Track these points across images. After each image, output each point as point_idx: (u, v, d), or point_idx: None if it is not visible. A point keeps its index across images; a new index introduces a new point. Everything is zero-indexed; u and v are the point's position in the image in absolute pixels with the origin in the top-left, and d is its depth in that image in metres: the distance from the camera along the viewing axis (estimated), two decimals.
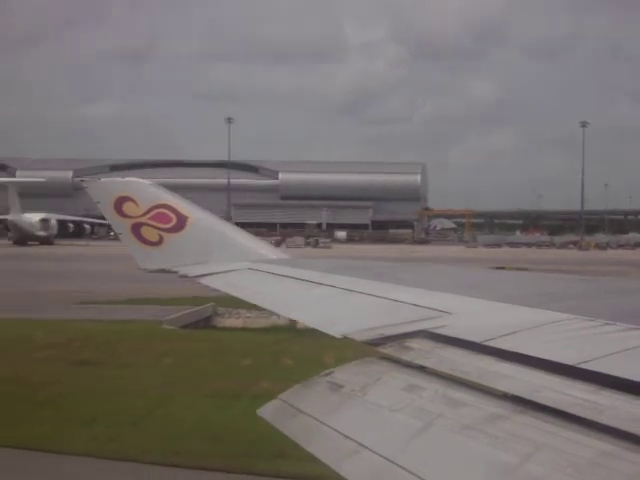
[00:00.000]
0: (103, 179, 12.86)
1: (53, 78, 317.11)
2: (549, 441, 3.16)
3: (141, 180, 12.48)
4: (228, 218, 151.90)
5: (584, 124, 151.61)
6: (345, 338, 5.25)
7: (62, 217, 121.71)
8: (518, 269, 54.07)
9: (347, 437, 3.75)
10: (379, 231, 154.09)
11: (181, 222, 11.41)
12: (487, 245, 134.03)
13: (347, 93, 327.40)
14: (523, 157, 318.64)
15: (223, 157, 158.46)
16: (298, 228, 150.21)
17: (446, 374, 4.08)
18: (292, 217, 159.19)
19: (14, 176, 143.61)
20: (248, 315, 34.36)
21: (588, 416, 3.21)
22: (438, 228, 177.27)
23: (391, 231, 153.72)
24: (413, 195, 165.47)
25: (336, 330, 5.49)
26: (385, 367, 4.48)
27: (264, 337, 29.26)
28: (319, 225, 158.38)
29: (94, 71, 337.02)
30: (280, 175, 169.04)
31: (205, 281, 9.89)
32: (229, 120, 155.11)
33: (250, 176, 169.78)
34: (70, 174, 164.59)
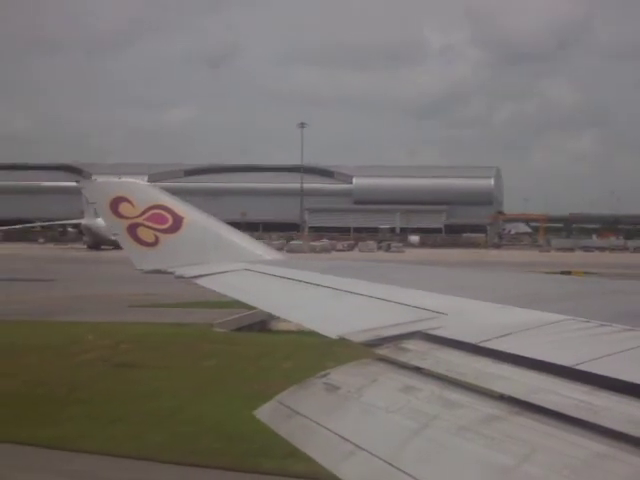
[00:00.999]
0: (99, 179, 12.83)
1: (132, 82, 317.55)
2: (545, 442, 3.16)
3: (137, 181, 12.47)
4: (302, 222, 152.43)
5: None
6: (342, 339, 5.26)
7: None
8: (585, 273, 54.51)
9: (343, 438, 3.76)
10: (452, 235, 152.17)
11: (177, 223, 11.39)
12: (560, 249, 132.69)
13: (426, 97, 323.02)
14: (603, 160, 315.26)
15: (304, 161, 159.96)
16: (372, 232, 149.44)
17: (442, 375, 4.09)
18: (366, 221, 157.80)
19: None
20: None
21: (584, 417, 3.21)
22: (512, 232, 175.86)
23: (464, 235, 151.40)
24: (486, 199, 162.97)
25: (332, 331, 5.49)
26: (381, 368, 4.48)
27: (314, 339, 29.23)
28: (392, 229, 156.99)
29: (173, 75, 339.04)
30: (354, 180, 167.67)
31: (201, 282, 9.88)
32: (302, 125, 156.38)
33: (324, 180, 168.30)
34: (145, 179, 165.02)
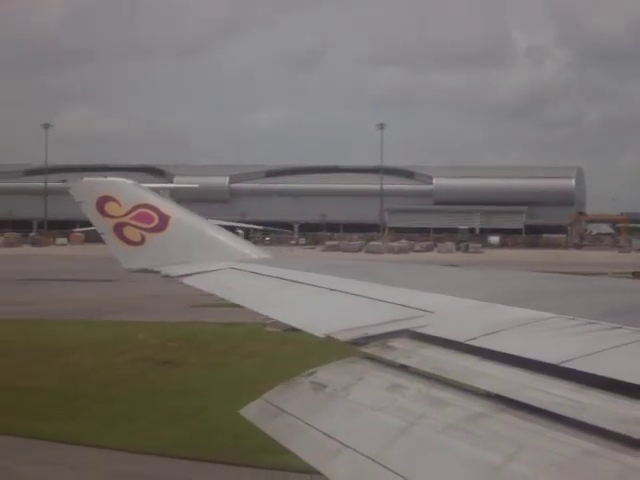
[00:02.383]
0: (85, 178, 12.77)
1: (216, 84, 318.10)
2: (532, 440, 3.15)
3: (123, 180, 12.41)
4: (382, 223, 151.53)
5: None
6: (328, 338, 5.25)
7: (215, 222, 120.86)
8: None
9: (330, 437, 3.74)
10: (532, 236, 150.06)
11: (163, 222, 11.36)
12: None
13: (513, 98, 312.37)
14: None
15: (386, 162, 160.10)
16: (451, 233, 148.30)
17: (429, 373, 4.08)
18: (445, 222, 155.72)
19: (171, 182, 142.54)
20: None
21: (571, 415, 3.21)
22: (594, 233, 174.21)
23: (544, 236, 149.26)
24: (567, 200, 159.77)
25: (319, 330, 5.49)
26: (368, 367, 4.47)
27: None
28: (472, 230, 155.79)
29: (256, 77, 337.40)
30: (434, 180, 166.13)
31: (188, 281, 9.86)
32: (381, 126, 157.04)
33: (404, 181, 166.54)
34: (226, 180, 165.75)
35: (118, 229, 11.46)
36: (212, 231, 11.70)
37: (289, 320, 6.40)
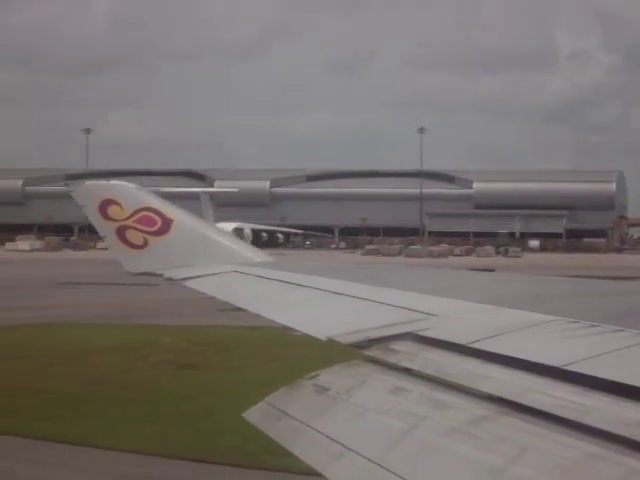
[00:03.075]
0: (87, 182, 12.78)
1: (262, 88, 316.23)
2: (535, 443, 3.15)
3: (126, 183, 12.42)
4: (422, 227, 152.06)
5: None
6: (330, 341, 5.25)
7: (256, 226, 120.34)
8: None
9: (333, 440, 3.74)
10: (573, 240, 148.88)
11: (166, 225, 11.36)
12: None
13: (554, 101, 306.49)
14: None
15: (427, 166, 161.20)
16: (492, 237, 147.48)
17: (432, 376, 4.08)
18: (485, 226, 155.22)
19: (212, 186, 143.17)
20: None
21: (574, 418, 3.20)
22: (635, 237, 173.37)
23: (585, 240, 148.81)
24: (608, 204, 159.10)
25: (321, 333, 5.48)
26: (371, 370, 4.47)
27: None
28: (512, 234, 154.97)
29: (300, 81, 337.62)
30: (474, 184, 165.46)
31: (191, 284, 9.86)
32: (421, 130, 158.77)
33: (444, 185, 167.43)
34: (267, 184, 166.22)
35: (120, 232, 11.46)
36: (215, 234, 11.70)
37: (292, 323, 6.40)
